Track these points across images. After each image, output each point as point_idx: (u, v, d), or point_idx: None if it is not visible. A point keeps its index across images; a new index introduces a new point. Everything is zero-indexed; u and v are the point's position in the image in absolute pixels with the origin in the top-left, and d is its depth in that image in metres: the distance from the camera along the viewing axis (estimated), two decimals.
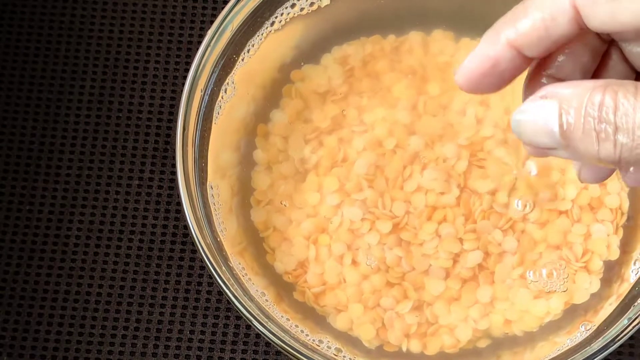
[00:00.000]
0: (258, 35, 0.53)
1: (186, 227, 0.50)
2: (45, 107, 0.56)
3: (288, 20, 0.53)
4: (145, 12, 0.58)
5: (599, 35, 0.36)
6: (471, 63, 0.35)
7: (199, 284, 0.53)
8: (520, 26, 0.34)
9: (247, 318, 0.47)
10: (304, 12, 0.54)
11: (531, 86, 0.37)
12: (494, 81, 0.35)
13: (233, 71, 0.52)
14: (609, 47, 0.37)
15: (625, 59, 0.37)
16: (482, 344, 0.50)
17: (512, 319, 0.50)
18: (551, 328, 0.50)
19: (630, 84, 0.32)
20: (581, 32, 0.34)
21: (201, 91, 0.51)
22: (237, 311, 0.49)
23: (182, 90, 0.50)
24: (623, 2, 0.32)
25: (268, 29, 0.53)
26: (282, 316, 0.49)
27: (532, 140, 0.34)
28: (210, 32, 0.51)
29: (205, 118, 0.51)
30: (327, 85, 0.53)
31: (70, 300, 0.53)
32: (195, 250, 0.54)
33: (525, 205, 0.50)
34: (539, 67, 0.37)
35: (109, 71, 0.57)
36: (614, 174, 0.52)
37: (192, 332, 0.53)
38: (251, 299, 0.48)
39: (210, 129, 0.51)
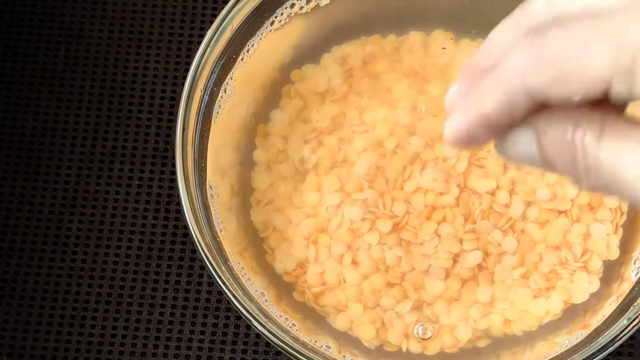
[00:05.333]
0: (258, 35, 0.53)
1: (186, 227, 0.50)
2: (45, 107, 0.56)
3: (288, 20, 0.53)
4: (145, 12, 0.58)
5: None
6: (452, 130, 0.34)
7: (199, 284, 0.53)
8: (485, 105, 0.33)
9: (247, 318, 0.47)
10: (304, 10, 0.54)
11: None
12: (481, 139, 0.35)
13: (233, 71, 0.52)
14: None
15: None
16: (482, 343, 0.50)
17: (512, 319, 0.50)
18: (551, 328, 0.50)
19: (595, 125, 0.32)
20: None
21: (201, 91, 0.51)
22: (237, 311, 0.49)
23: (182, 90, 0.50)
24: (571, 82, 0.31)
25: (268, 28, 0.53)
26: (281, 316, 0.49)
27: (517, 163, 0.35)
28: (210, 32, 0.51)
29: (205, 118, 0.51)
30: (326, 85, 0.53)
31: (70, 300, 0.53)
32: (195, 250, 0.54)
33: (426, 331, 0.50)
34: None
35: (109, 71, 0.57)
36: None
37: (192, 332, 0.53)
38: (251, 299, 0.48)
39: (210, 129, 0.51)
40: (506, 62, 0.32)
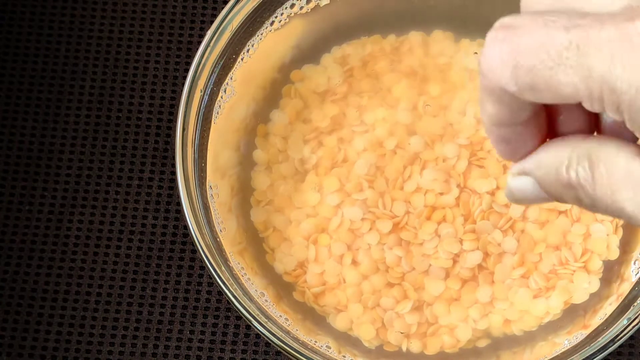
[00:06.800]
0: (258, 35, 0.53)
1: (186, 227, 0.50)
2: (45, 107, 0.56)
3: (287, 20, 0.53)
4: (145, 12, 0.58)
5: None
6: (493, 142, 0.34)
7: (199, 284, 0.53)
8: (489, 113, 0.33)
9: (247, 318, 0.47)
10: (304, 11, 0.54)
11: None
12: (517, 141, 0.34)
13: (233, 71, 0.52)
14: None
15: None
16: (482, 343, 0.50)
17: (512, 319, 0.50)
18: (551, 328, 0.50)
19: (584, 160, 0.32)
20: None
21: (201, 91, 0.51)
22: (237, 311, 0.49)
23: (182, 90, 0.50)
24: (546, 91, 0.31)
25: (268, 28, 0.53)
26: (281, 316, 0.49)
27: (532, 203, 0.35)
28: (210, 32, 0.51)
29: (205, 118, 0.51)
30: (326, 85, 0.53)
31: (70, 300, 0.53)
32: (195, 250, 0.54)
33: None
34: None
35: (109, 71, 0.57)
36: None
37: (192, 332, 0.53)
38: (251, 299, 0.48)
39: (210, 129, 0.51)
40: (482, 63, 0.31)
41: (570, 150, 0.32)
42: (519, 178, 0.34)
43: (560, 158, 0.32)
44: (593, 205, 0.32)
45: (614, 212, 0.31)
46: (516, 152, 0.34)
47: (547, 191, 0.33)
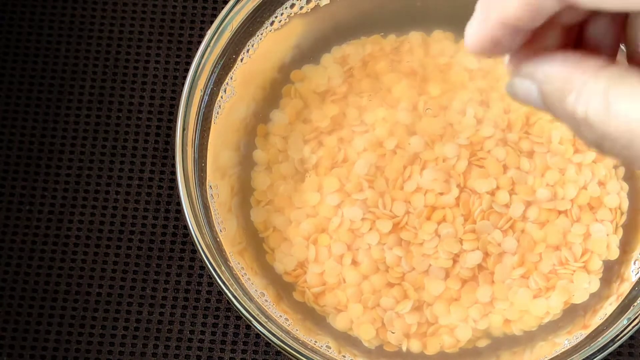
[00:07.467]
0: (258, 35, 0.53)
1: (186, 227, 0.50)
2: (45, 107, 0.56)
3: (288, 20, 0.53)
4: (145, 12, 0.58)
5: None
6: (473, 36, 0.32)
7: (199, 284, 0.53)
8: (508, 7, 0.30)
9: (247, 318, 0.47)
10: (304, 10, 0.54)
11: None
12: (504, 46, 0.32)
13: (233, 71, 0.52)
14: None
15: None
16: (482, 343, 0.50)
17: (512, 319, 0.50)
18: (550, 328, 0.50)
19: (598, 94, 0.29)
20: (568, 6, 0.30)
21: (201, 91, 0.51)
22: (237, 311, 0.49)
23: (182, 90, 0.50)
24: None
25: (268, 29, 0.53)
26: (281, 316, 0.49)
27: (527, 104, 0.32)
28: (210, 32, 0.51)
29: (205, 118, 0.51)
30: (326, 85, 0.53)
31: (70, 300, 0.53)
32: (195, 250, 0.54)
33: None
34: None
35: (109, 71, 0.57)
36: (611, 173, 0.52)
37: (192, 332, 0.53)
38: (251, 299, 0.48)
39: (210, 129, 0.51)
40: None
41: (586, 77, 0.29)
42: (524, 81, 0.31)
43: (570, 82, 0.29)
44: (600, 144, 0.29)
45: (628, 156, 0.28)
46: (491, 52, 0.31)
47: (549, 109, 0.30)
